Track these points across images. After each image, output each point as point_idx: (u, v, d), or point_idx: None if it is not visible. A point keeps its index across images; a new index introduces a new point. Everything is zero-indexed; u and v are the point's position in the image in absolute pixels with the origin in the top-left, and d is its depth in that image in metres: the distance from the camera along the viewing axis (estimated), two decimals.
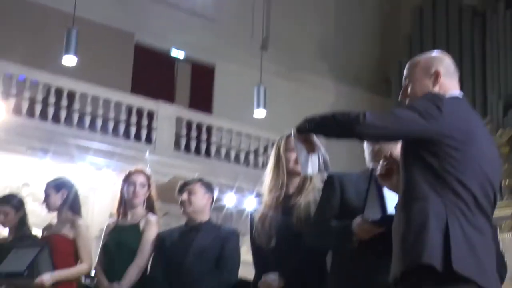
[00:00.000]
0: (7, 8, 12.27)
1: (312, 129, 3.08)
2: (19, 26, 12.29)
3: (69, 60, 10.62)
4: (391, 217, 3.05)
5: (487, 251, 2.81)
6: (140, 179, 4.99)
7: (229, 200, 12.18)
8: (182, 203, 4.77)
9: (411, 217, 2.72)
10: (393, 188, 3.03)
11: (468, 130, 2.82)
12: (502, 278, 3.99)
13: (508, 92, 15.02)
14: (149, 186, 5.02)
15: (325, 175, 3.71)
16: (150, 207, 5.03)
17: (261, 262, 3.95)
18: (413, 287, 2.69)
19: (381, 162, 3.22)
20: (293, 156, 3.86)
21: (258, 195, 4.20)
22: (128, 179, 4.99)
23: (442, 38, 16.22)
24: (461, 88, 11.66)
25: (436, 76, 2.94)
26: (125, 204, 5.00)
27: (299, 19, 15.79)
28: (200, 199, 4.79)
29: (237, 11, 15.06)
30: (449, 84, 2.99)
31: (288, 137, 3.88)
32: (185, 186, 4.82)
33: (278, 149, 3.98)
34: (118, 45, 13.51)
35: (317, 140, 3.32)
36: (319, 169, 3.46)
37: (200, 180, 4.93)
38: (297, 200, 3.86)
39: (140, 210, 4.98)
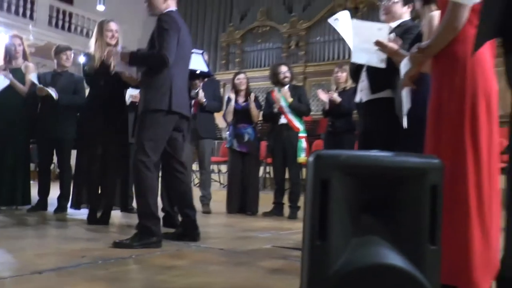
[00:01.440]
0: None
1: (132, 63, 3.18)
2: None
3: None
4: None
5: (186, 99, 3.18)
6: (17, 41, 4.85)
7: (81, 59, 12.08)
8: (65, 60, 4.71)
9: (155, 79, 2.95)
10: None
11: (184, 33, 3.07)
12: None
13: (245, 9, 14.30)
14: (23, 44, 4.88)
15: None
16: (25, 57, 4.88)
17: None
18: (154, 116, 2.94)
19: None
20: (109, 34, 3.86)
21: (87, 54, 3.99)
22: (10, 41, 4.85)
23: None
24: (219, 4, 12.29)
25: None
26: (9, 57, 4.81)
27: None
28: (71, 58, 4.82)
29: None
30: (171, 3, 3.08)
31: (108, 21, 3.93)
32: (62, 50, 4.75)
33: (101, 27, 3.87)
34: None
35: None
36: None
37: (71, 48, 4.88)
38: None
39: (20, 59, 4.83)
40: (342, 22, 3.18)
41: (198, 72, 3.67)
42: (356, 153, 1.28)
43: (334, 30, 12.40)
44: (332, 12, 12.60)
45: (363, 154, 1.27)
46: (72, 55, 4.90)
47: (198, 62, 3.70)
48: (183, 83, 3.12)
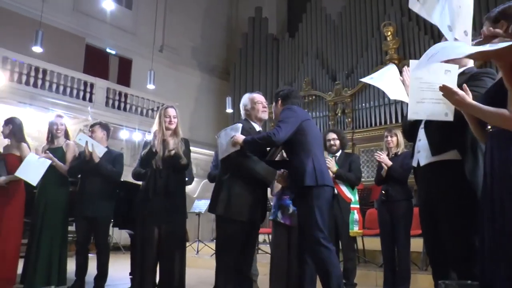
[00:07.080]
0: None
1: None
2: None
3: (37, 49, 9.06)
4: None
5: None
6: (60, 120, 4.65)
7: (136, 136, 12.26)
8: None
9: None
10: None
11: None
12: None
13: (290, 80, 14.27)
14: (64, 123, 4.68)
15: None
16: (66, 136, 4.67)
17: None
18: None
19: None
20: (167, 119, 3.77)
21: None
22: (53, 120, 4.66)
23: (256, 53, 15.31)
24: (266, 77, 12.10)
25: None
26: (52, 136, 4.63)
27: (181, 35, 15.52)
28: (99, 134, 4.53)
29: (147, 29, 14.53)
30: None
31: (167, 108, 3.85)
32: (90, 127, 4.63)
33: (160, 115, 3.78)
34: (73, 44, 12.59)
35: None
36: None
37: (100, 123, 4.65)
38: (170, 141, 3.74)
39: (61, 138, 4.62)
40: (385, 77, 2.59)
41: None
42: None
43: (379, 95, 11.57)
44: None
45: None
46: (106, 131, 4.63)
47: None
48: None
